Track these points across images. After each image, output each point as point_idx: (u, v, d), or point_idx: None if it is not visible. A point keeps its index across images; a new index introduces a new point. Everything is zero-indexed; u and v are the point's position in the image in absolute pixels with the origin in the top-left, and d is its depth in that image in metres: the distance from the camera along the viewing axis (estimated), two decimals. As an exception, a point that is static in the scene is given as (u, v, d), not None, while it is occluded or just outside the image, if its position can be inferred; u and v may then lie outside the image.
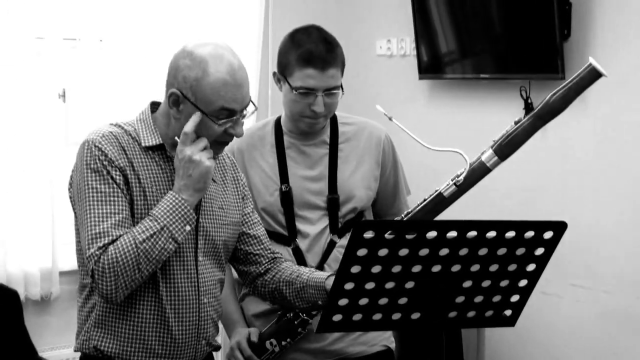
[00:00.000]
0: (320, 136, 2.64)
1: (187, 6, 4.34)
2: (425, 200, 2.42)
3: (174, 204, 2.10)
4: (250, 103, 2.18)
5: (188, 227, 2.12)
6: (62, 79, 4.19)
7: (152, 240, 2.06)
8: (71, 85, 4.25)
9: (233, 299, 2.71)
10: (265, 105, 4.74)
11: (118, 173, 2.13)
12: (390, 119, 2.38)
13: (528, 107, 3.91)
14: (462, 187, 2.39)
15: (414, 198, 2.60)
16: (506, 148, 2.41)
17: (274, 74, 2.62)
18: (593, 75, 2.33)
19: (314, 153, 2.64)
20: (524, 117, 2.39)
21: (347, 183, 2.65)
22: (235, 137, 2.19)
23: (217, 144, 2.17)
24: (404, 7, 4.33)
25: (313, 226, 2.62)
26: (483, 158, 2.40)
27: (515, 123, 2.40)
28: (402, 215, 2.45)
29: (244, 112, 2.17)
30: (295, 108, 2.54)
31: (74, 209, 2.22)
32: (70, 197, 2.25)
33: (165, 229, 2.08)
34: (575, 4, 3.70)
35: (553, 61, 3.71)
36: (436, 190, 2.40)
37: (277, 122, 2.69)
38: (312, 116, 2.51)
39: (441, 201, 2.40)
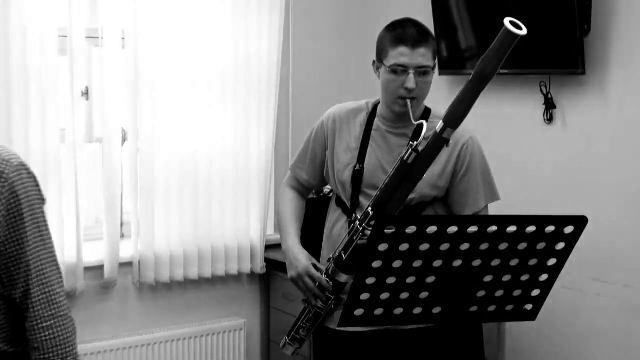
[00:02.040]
0: (405, 129, 2.70)
1: (207, 8, 4.35)
2: (393, 169, 2.52)
3: None
4: None
5: None
6: (85, 77, 4.22)
7: None
8: (94, 83, 4.27)
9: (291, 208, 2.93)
10: (287, 109, 4.76)
11: None
12: None
13: (548, 102, 3.93)
14: (424, 155, 2.46)
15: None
16: (452, 117, 2.44)
17: (373, 62, 2.74)
18: (509, 37, 2.29)
19: (394, 142, 2.72)
20: (463, 88, 2.45)
21: None
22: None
23: None
24: (424, 4, 4.32)
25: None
26: (437, 129, 2.45)
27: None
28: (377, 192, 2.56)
29: None
30: (389, 88, 2.64)
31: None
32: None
33: None
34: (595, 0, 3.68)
35: (573, 56, 3.69)
36: (401, 158, 2.50)
37: (375, 105, 2.80)
38: (405, 95, 2.61)
39: (405, 167, 2.48)
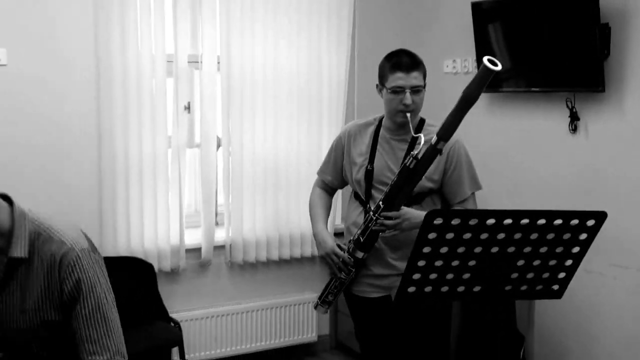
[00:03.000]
0: (405, 136, 2.83)
1: (285, 35, 4.37)
2: (399, 172, 2.67)
3: None
4: None
5: None
6: (187, 94, 4.27)
7: None
8: (195, 99, 4.33)
9: (321, 202, 3.09)
10: (352, 108, 4.76)
11: None
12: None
13: (573, 115, 3.87)
14: (422, 161, 2.60)
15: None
16: (444, 132, 2.57)
17: (377, 85, 2.89)
18: (487, 72, 2.41)
19: (396, 146, 2.86)
20: (453, 109, 2.55)
21: None
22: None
23: None
24: (467, 31, 4.28)
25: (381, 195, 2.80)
26: (432, 142, 2.58)
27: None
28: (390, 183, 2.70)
29: None
30: (390, 105, 2.80)
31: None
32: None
33: None
34: (614, 27, 3.61)
35: (594, 77, 3.63)
36: (404, 164, 2.64)
37: (381, 119, 2.94)
38: (403, 109, 2.76)
39: (407, 171, 2.63)
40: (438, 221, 2.00)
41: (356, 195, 2.95)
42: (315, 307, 3.00)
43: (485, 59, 2.37)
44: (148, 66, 3.97)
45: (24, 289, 1.99)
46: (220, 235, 4.40)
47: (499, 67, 2.38)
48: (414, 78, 2.75)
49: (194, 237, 4.33)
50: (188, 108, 4.27)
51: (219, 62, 4.24)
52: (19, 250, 1.96)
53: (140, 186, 4.04)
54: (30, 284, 1.98)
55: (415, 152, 2.61)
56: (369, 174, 2.85)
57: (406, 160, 2.63)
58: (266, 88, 4.35)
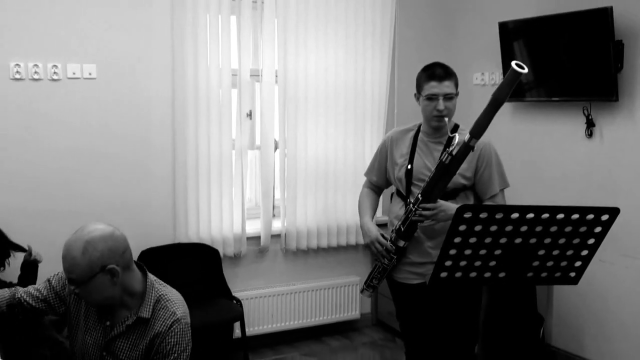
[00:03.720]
0: (440, 138, 2.83)
1: (333, 48, 4.37)
2: (435, 168, 2.64)
3: None
4: None
5: None
6: (249, 103, 4.29)
7: None
8: (255, 107, 4.35)
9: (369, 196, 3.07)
10: (392, 123, 4.74)
11: None
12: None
13: (589, 122, 3.79)
14: (456, 157, 2.58)
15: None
16: (476, 130, 2.53)
17: (415, 94, 2.87)
18: (515, 74, 2.38)
19: (434, 148, 2.84)
20: (484, 109, 2.51)
21: None
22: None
23: None
24: (494, 47, 4.24)
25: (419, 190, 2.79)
26: (465, 139, 2.55)
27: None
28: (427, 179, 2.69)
29: None
30: (426, 111, 2.79)
31: None
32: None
33: None
34: (627, 43, 3.54)
35: (609, 88, 3.56)
36: (440, 160, 2.62)
37: (419, 126, 2.93)
38: (437, 115, 2.75)
39: (443, 167, 2.60)
40: (468, 215, 1.98)
41: (398, 192, 2.93)
42: (362, 292, 2.98)
43: (513, 63, 2.35)
44: (216, 79, 4.01)
45: (134, 343, 2.12)
46: (277, 226, 4.42)
47: (526, 70, 2.34)
48: (447, 87, 2.74)
49: (254, 227, 4.36)
50: (250, 115, 4.30)
51: (276, 76, 4.25)
52: (146, 312, 2.11)
53: (208, 183, 4.07)
54: (141, 340, 2.12)
55: (450, 149, 2.59)
56: (409, 172, 2.83)
57: (442, 157, 2.61)
58: (317, 98, 4.35)
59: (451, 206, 2.66)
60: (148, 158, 3.98)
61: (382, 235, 2.85)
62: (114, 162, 3.89)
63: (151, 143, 3.97)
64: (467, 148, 2.55)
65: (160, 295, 2.14)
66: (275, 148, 4.36)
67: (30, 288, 2.23)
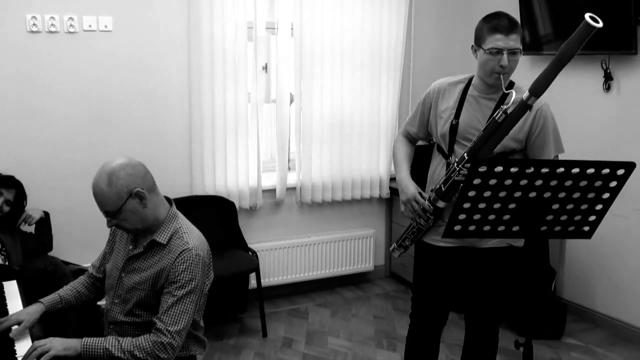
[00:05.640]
0: (494, 95, 2.58)
1: (350, 4, 4.31)
2: (486, 126, 2.41)
3: None
4: None
5: None
6: (265, 57, 4.26)
7: None
8: (271, 61, 4.31)
9: (404, 150, 2.83)
10: (408, 80, 4.68)
11: None
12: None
13: (607, 75, 3.72)
14: (511, 116, 2.33)
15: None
16: (537, 88, 2.28)
17: (472, 46, 2.58)
18: (587, 28, 2.13)
19: (484, 104, 2.59)
20: (548, 65, 2.25)
21: None
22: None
23: None
24: (513, 1, 4.15)
25: (463, 150, 2.61)
26: (523, 97, 2.30)
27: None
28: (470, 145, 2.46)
29: None
30: (487, 66, 2.50)
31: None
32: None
33: None
34: (649, -4, 3.45)
35: (628, 40, 3.49)
36: (493, 118, 2.38)
37: (471, 78, 2.68)
38: (499, 71, 2.47)
39: (495, 125, 2.37)
40: (482, 169, 1.97)
41: (439, 149, 2.71)
42: (392, 251, 2.82)
43: (587, 16, 2.12)
44: (231, 32, 3.97)
45: (147, 266, 2.22)
46: (292, 179, 4.43)
47: (600, 24, 2.10)
48: (513, 40, 2.45)
49: (269, 180, 4.38)
50: (265, 68, 4.27)
51: (292, 29, 4.21)
52: (162, 237, 2.21)
53: (224, 136, 4.08)
54: (154, 266, 2.20)
55: (505, 106, 2.35)
56: (454, 128, 2.60)
57: (495, 114, 2.37)
58: (333, 52, 4.31)
59: None
60: (164, 111, 3.98)
61: (420, 194, 2.64)
62: (131, 114, 3.89)
63: (167, 96, 3.97)
64: (524, 107, 2.31)
65: (179, 227, 2.22)
66: (291, 101, 4.34)
67: (93, 263, 2.48)
